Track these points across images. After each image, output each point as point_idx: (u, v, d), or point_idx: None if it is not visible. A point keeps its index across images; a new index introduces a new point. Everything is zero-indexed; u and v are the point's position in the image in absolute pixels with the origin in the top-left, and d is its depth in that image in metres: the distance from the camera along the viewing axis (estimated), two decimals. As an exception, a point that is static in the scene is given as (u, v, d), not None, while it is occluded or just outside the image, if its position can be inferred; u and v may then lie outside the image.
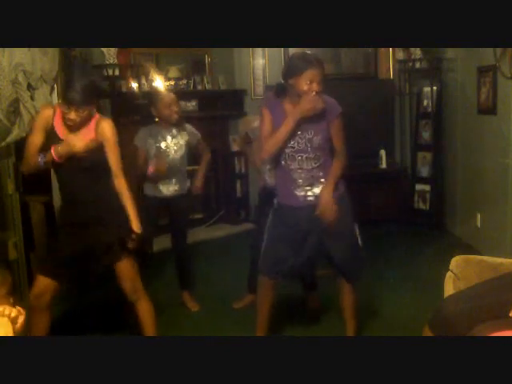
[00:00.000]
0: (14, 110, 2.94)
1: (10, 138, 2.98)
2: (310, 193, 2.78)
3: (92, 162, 2.55)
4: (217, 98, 5.64)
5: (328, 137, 2.78)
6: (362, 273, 2.91)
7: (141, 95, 4.91)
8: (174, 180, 3.54)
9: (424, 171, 5.52)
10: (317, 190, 2.78)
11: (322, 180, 2.78)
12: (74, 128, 2.53)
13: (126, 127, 4.51)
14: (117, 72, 4.66)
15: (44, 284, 2.62)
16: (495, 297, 1.99)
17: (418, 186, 5.55)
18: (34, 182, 3.39)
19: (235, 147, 5.69)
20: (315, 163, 2.77)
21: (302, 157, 2.75)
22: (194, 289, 3.72)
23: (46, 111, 2.59)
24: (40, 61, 3.18)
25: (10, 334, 1.74)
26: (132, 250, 2.69)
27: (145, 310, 2.76)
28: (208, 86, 5.56)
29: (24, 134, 3.03)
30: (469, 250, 4.35)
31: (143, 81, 5.11)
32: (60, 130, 2.55)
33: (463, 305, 2.01)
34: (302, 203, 2.78)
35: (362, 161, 5.58)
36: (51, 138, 2.55)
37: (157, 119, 3.56)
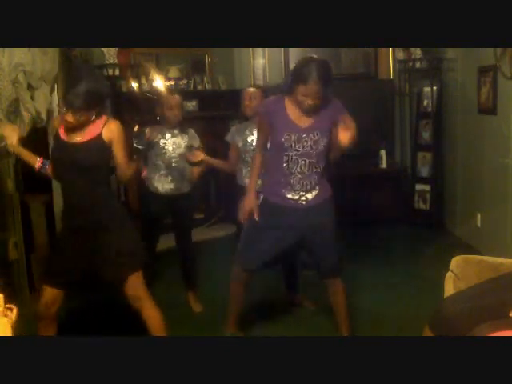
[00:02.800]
0: (14, 110, 2.94)
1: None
2: (303, 198, 2.78)
3: (92, 162, 2.51)
4: (217, 98, 5.64)
5: (330, 138, 2.77)
6: (340, 269, 2.93)
7: (142, 95, 4.92)
8: (169, 178, 3.52)
9: (424, 171, 5.52)
10: (310, 196, 2.78)
11: (317, 187, 2.79)
12: (74, 128, 2.50)
13: (126, 127, 4.52)
14: (117, 72, 4.66)
15: (51, 294, 2.59)
16: (495, 297, 1.99)
17: (418, 186, 5.54)
18: (34, 182, 3.40)
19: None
20: (316, 168, 2.76)
21: (305, 161, 2.73)
22: (197, 289, 3.72)
23: (55, 120, 2.64)
24: (40, 61, 3.18)
25: (10, 333, 1.74)
26: None
27: (150, 317, 2.68)
28: (208, 86, 5.57)
29: (24, 134, 3.04)
30: (469, 250, 4.34)
31: (143, 81, 5.11)
32: (62, 131, 2.53)
33: (463, 305, 2.01)
34: (292, 205, 2.78)
35: (362, 161, 5.58)
36: (56, 140, 2.56)
37: (158, 118, 3.58)
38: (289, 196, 2.77)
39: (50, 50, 3.33)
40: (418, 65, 5.41)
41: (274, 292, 3.75)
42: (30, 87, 3.09)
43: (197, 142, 3.65)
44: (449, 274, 2.40)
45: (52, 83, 3.47)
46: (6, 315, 1.86)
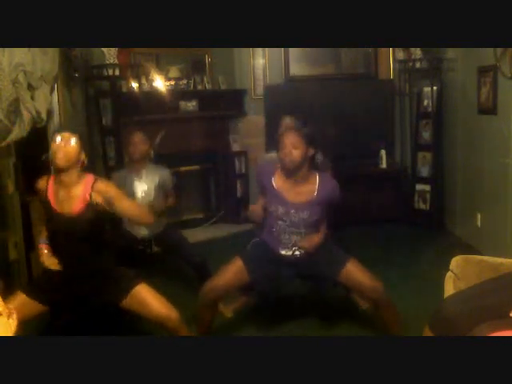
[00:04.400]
0: (14, 109, 2.94)
1: (10, 138, 2.98)
2: (296, 252, 2.86)
3: (91, 231, 2.48)
4: (217, 98, 5.64)
5: (322, 213, 2.85)
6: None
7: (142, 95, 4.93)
8: (143, 226, 3.57)
9: (424, 171, 5.51)
10: (303, 250, 2.85)
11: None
12: (64, 192, 2.47)
13: (126, 127, 4.53)
14: (117, 72, 4.66)
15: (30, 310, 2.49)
16: (495, 297, 1.99)
17: (418, 186, 5.54)
18: (34, 182, 3.40)
19: (235, 147, 5.73)
20: (305, 235, 2.84)
21: (293, 231, 2.82)
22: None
23: (41, 181, 2.55)
24: (40, 61, 3.17)
25: (10, 333, 1.74)
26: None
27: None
28: (208, 86, 5.56)
29: (24, 134, 3.04)
30: (469, 250, 4.34)
31: (143, 81, 5.11)
32: (52, 197, 2.49)
33: (463, 305, 2.01)
34: (287, 257, 2.87)
35: (362, 161, 5.59)
36: (47, 209, 2.50)
37: (127, 159, 3.71)
38: (282, 252, 2.86)
39: (50, 50, 3.32)
40: (418, 65, 5.41)
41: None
42: (30, 87, 3.08)
43: (169, 183, 3.68)
44: (449, 274, 2.40)
45: (52, 83, 3.47)
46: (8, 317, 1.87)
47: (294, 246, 2.84)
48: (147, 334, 3.08)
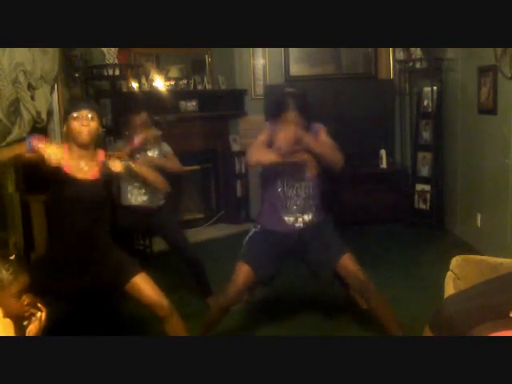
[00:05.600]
0: (15, 109, 2.95)
1: (11, 138, 2.98)
2: (299, 219, 2.85)
3: (99, 199, 2.51)
4: (217, 98, 5.64)
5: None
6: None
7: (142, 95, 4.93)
8: (142, 190, 3.57)
9: (424, 171, 5.51)
10: (307, 218, 2.85)
11: (314, 208, 2.86)
12: (79, 160, 2.48)
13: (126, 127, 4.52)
14: (117, 72, 4.66)
15: None
16: (495, 297, 1.99)
17: (418, 186, 5.54)
18: (34, 182, 3.39)
19: (235, 147, 5.72)
20: (312, 190, 2.83)
21: (300, 184, 2.81)
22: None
23: (56, 149, 2.43)
24: (40, 61, 3.18)
25: (11, 333, 1.74)
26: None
27: (175, 328, 2.62)
28: (208, 86, 5.56)
29: (24, 134, 3.04)
30: (469, 250, 4.34)
31: (143, 81, 5.11)
32: (66, 165, 2.46)
33: (463, 305, 2.01)
34: (290, 229, 2.84)
35: (362, 161, 5.58)
36: (58, 175, 2.45)
37: (126, 133, 3.66)
38: (286, 218, 2.84)
39: (50, 49, 3.33)
40: (418, 65, 5.41)
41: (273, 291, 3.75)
42: (30, 87, 3.09)
43: (166, 151, 3.67)
44: (449, 273, 2.40)
45: (52, 83, 3.47)
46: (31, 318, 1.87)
47: (298, 210, 2.82)
48: (147, 334, 3.08)
